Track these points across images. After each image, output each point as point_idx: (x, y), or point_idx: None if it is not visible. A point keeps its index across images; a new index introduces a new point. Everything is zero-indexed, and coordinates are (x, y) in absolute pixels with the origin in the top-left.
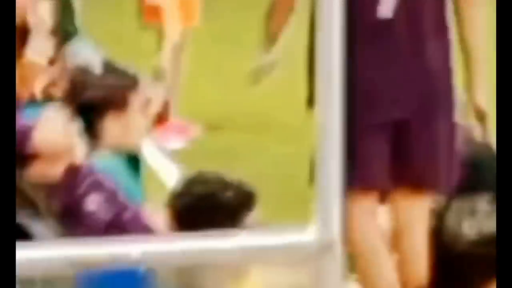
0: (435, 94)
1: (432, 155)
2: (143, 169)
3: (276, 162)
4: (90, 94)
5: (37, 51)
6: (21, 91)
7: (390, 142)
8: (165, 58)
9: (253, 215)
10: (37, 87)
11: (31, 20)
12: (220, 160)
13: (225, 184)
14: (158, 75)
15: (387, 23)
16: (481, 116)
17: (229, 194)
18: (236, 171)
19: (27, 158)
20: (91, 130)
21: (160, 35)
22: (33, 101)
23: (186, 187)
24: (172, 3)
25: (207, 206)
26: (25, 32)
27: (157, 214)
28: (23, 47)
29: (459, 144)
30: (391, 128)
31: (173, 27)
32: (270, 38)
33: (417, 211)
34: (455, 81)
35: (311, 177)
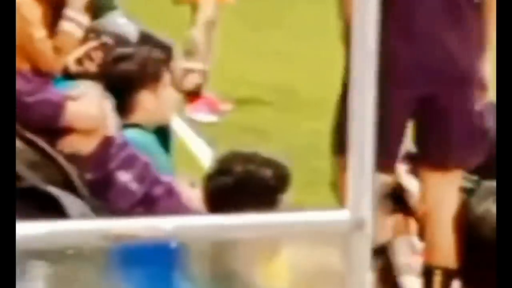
0: (462, 72)
1: (458, 133)
2: (174, 144)
3: (307, 139)
4: (124, 67)
5: (72, 23)
6: (55, 63)
7: (415, 118)
8: (198, 32)
9: (288, 193)
10: (72, 60)
11: None
12: (251, 137)
13: (263, 162)
14: (191, 50)
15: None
16: None
17: (268, 172)
18: (267, 148)
19: (61, 130)
20: (124, 104)
21: (193, 10)
22: (67, 74)
23: (224, 166)
24: None
25: (247, 185)
26: (61, 3)
27: (189, 189)
28: (59, 18)
29: (490, 122)
30: (416, 104)
31: (207, 2)
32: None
33: (445, 191)
34: (486, 61)
35: (334, 148)
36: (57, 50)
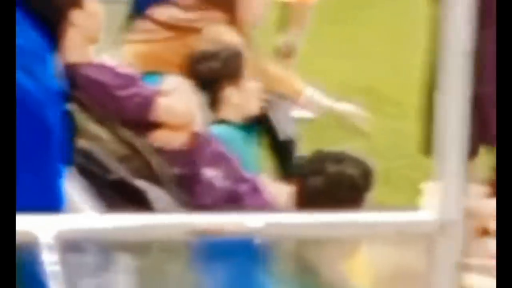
0: None
1: None
2: (260, 140)
3: (389, 138)
4: (209, 65)
5: None
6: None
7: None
8: (296, 35)
9: (371, 192)
10: None
11: None
12: (335, 137)
13: (351, 161)
14: (289, 53)
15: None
16: None
17: (356, 171)
18: (351, 146)
19: (151, 124)
20: (210, 100)
21: (286, 12)
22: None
23: (316, 166)
24: None
25: (338, 184)
26: None
27: (273, 185)
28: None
29: None
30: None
31: (304, 5)
32: None
33: None
34: None
35: (426, 149)
36: None
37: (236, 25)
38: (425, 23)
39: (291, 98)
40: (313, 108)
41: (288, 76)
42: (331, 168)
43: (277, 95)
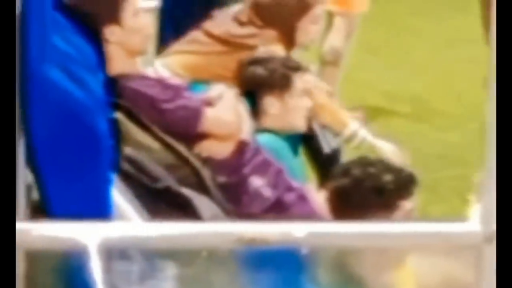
0: None
1: None
2: (304, 150)
3: (436, 149)
4: (254, 70)
5: None
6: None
7: None
8: (340, 42)
9: (412, 201)
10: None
11: None
12: None
13: (385, 168)
14: (334, 60)
15: None
16: None
17: (388, 177)
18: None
19: (198, 135)
20: (255, 110)
21: (331, 18)
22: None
23: (345, 169)
24: None
25: (364, 186)
26: None
27: (318, 194)
28: None
29: None
30: None
31: (357, 11)
32: None
33: None
34: None
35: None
36: None
37: (289, 45)
38: (475, 35)
39: (334, 129)
40: (356, 143)
41: (334, 106)
42: (356, 170)
43: (321, 124)
